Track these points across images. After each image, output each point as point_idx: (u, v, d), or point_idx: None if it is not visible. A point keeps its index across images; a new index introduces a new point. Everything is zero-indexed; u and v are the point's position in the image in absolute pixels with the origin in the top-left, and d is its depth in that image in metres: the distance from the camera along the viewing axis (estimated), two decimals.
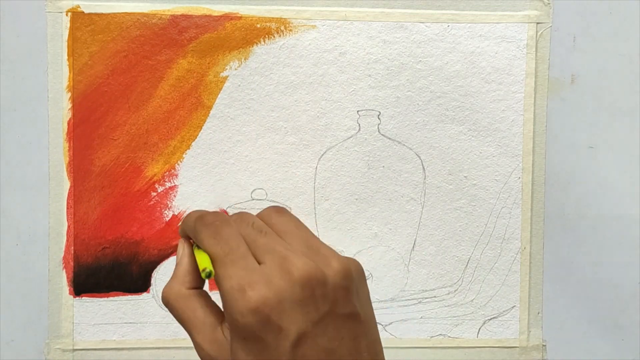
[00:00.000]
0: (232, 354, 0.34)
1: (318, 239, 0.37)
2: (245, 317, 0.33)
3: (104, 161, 0.52)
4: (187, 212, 0.41)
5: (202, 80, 0.52)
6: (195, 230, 0.37)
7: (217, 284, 0.35)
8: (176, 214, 0.52)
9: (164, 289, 0.37)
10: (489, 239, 0.53)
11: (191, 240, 0.39)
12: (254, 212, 0.52)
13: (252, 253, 0.35)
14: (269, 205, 0.39)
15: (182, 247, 0.39)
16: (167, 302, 0.37)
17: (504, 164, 0.53)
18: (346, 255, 0.36)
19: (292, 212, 0.52)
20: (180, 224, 0.41)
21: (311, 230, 0.38)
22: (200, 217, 0.37)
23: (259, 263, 0.34)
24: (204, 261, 0.35)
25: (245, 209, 0.52)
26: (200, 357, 0.36)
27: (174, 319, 0.36)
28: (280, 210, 0.38)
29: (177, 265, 0.38)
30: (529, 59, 0.53)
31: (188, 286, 0.37)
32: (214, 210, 0.39)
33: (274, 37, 0.52)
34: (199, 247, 0.37)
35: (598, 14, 0.53)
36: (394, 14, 0.52)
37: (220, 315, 0.36)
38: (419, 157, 0.53)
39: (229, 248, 0.35)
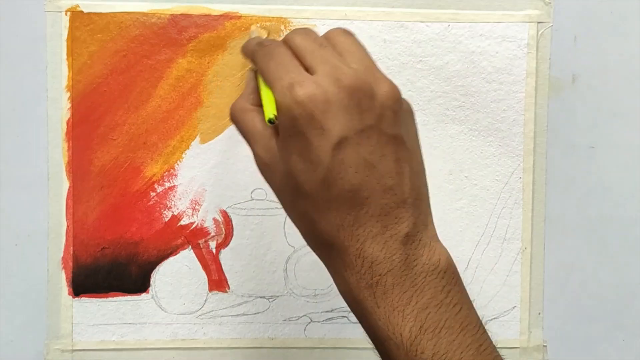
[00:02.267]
0: (280, 152, 0.37)
1: (377, 64, 0.38)
2: (291, 110, 0.35)
3: (103, 161, 0.51)
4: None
5: (202, 79, 0.51)
6: (253, 53, 0.41)
7: (272, 90, 0.37)
8: (175, 214, 0.52)
9: (232, 105, 0.41)
10: (490, 239, 0.53)
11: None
12: (254, 212, 0.52)
13: (307, 64, 0.37)
14: (337, 27, 0.40)
15: (250, 73, 0.43)
16: (233, 115, 0.41)
17: (504, 164, 0.53)
18: None
19: None
20: (243, 46, 0.45)
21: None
22: (259, 42, 0.41)
23: (312, 72, 0.36)
24: (267, 104, 0.38)
25: (245, 209, 0.52)
26: (258, 165, 0.39)
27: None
28: (347, 32, 0.40)
29: (245, 87, 0.42)
30: (530, 59, 0.53)
31: (252, 102, 0.40)
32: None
33: (274, 37, 0.52)
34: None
35: (599, 14, 0.53)
36: (394, 13, 0.52)
37: (277, 130, 0.38)
38: None
39: (280, 61, 0.37)
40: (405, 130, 0.37)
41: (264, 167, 0.38)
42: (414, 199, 0.37)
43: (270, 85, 0.37)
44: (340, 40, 0.39)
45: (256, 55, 0.40)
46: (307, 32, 0.39)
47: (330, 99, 0.35)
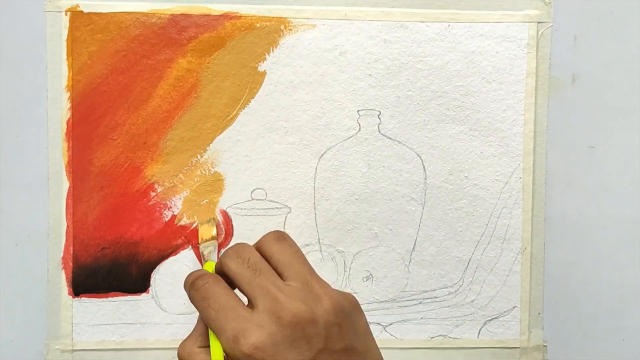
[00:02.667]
0: None
1: (314, 272, 0.38)
2: None
3: (103, 161, 0.51)
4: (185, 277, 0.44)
5: (202, 79, 0.51)
6: (190, 297, 0.40)
7: (217, 339, 0.37)
8: (175, 213, 0.52)
9: (179, 347, 0.40)
10: (490, 239, 0.53)
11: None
12: (254, 212, 0.52)
13: (246, 294, 0.37)
14: (269, 231, 0.41)
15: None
16: (180, 358, 0.40)
17: (504, 164, 0.53)
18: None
19: (292, 212, 0.52)
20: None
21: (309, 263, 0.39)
22: (192, 284, 0.40)
23: (253, 306, 0.37)
24: (216, 353, 0.38)
25: (245, 209, 0.52)
26: None
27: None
28: (280, 237, 0.40)
29: (196, 323, 0.41)
30: (530, 59, 0.53)
31: (200, 344, 0.40)
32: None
33: (274, 36, 0.52)
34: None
35: (599, 14, 0.53)
36: (394, 13, 0.52)
37: None
38: (420, 157, 0.53)
39: (219, 305, 0.37)
40: (355, 334, 0.37)
41: None
42: None
43: (215, 335, 0.38)
44: (274, 251, 0.39)
45: (193, 300, 0.40)
46: (238, 252, 0.40)
47: (276, 340, 0.35)
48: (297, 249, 0.40)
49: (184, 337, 0.52)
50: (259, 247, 0.40)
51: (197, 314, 0.40)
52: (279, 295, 0.36)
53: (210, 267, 0.44)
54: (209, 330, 0.39)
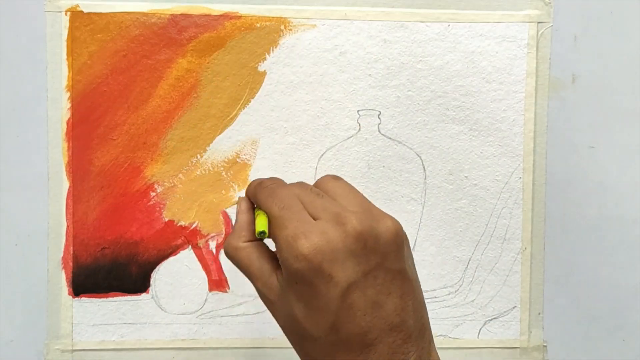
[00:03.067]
0: (284, 298, 0.37)
1: (369, 202, 0.39)
2: (298, 263, 0.35)
3: (103, 161, 0.51)
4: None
5: (202, 79, 0.51)
6: (254, 192, 0.41)
7: (273, 237, 0.37)
8: (176, 214, 0.52)
9: (224, 244, 0.40)
10: (490, 239, 0.53)
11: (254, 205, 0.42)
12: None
13: (309, 211, 0.37)
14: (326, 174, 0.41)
15: (240, 204, 0.42)
16: (228, 254, 0.40)
17: (504, 164, 0.53)
18: None
19: None
20: (245, 189, 0.44)
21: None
22: (260, 182, 0.41)
23: (314, 218, 0.37)
24: (260, 223, 0.38)
25: None
26: (262, 301, 0.39)
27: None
28: (336, 177, 0.40)
29: (235, 221, 0.41)
30: (530, 59, 0.53)
31: (244, 240, 0.40)
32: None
33: (274, 37, 0.52)
34: (260, 209, 0.40)
35: (599, 14, 0.53)
36: (394, 13, 0.52)
37: (276, 263, 0.38)
38: (420, 157, 0.53)
39: (284, 204, 0.38)
40: (407, 260, 0.37)
41: (267, 303, 0.38)
42: (419, 330, 0.37)
43: (273, 232, 0.37)
44: (331, 186, 0.39)
45: (258, 196, 0.40)
46: (301, 184, 0.40)
47: (336, 247, 0.35)
48: (351, 186, 0.40)
49: (184, 337, 0.52)
50: (316, 185, 0.40)
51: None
52: (342, 210, 0.36)
53: (261, 219, 0.44)
54: (257, 214, 0.39)
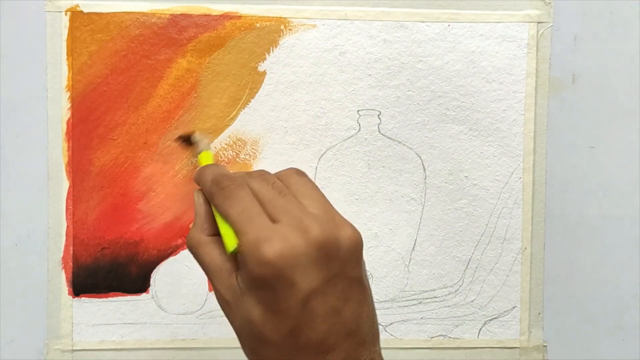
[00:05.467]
0: (243, 300, 0.36)
1: (331, 205, 0.38)
2: (260, 269, 0.34)
3: (103, 161, 0.51)
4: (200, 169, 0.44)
5: (202, 79, 0.51)
6: (210, 192, 0.40)
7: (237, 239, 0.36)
8: (176, 214, 0.52)
9: (187, 237, 0.40)
10: (490, 239, 0.53)
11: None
12: None
13: (267, 212, 0.37)
14: (289, 167, 0.40)
15: (197, 197, 0.41)
16: (190, 248, 0.40)
17: (504, 164, 0.53)
18: None
19: None
20: (195, 174, 0.43)
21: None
22: (216, 181, 0.40)
23: (274, 221, 0.36)
24: (229, 237, 0.37)
25: None
26: (218, 300, 0.38)
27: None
28: (300, 173, 0.40)
29: (195, 213, 0.40)
30: (530, 59, 0.53)
31: (207, 233, 0.39)
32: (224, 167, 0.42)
33: (274, 36, 0.52)
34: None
35: (599, 14, 0.53)
36: (394, 13, 0.52)
37: (235, 263, 0.38)
38: (420, 157, 0.53)
39: (242, 207, 0.37)
40: (364, 269, 0.37)
41: (223, 303, 0.38)
42: (372, 336, 0.37)
43: (236, 235, 0.37)
44: (294, 182, 0.39)
45: (215, 198, 0.39)
46: (263, 176, 0.39)
47: (298, 254, 0.35)
48: (315, 184, 0.39)
49: (184, 337, 0.52)
50: (279, 177, 0.40)
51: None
52: (304, 215, 0.36)
53: (206, 156, 0.43)
54: (219, 221, 0.38)
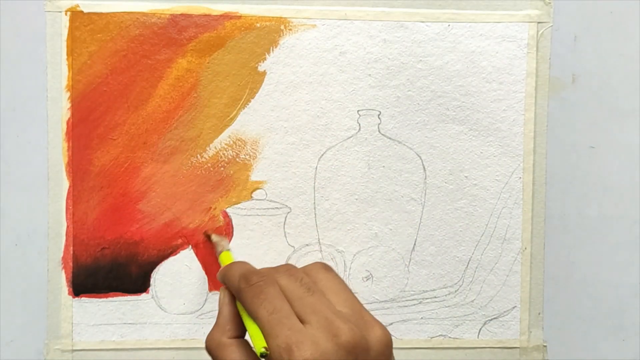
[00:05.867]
0: None
1: (360, 302, 0.38)
2: None
3: (103, 161, 0.51)
4: (227, 265, 0.43)
5: (202, 79, 0.51)
6: (238, 289, 0.39)
7: (266, 342, 0.35)
8: (176, 214, 0.52)
9: (207, 338, 0.38)
10: (490, 239, 0.53)
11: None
12: (254, 212, 0.52)
13: (296, 311, 0.36)
14: (315, 261, 0.40)
15: (223, 295, 0.40)
16: (209, 350, 0.38)
17: (504, 164, 0.53)
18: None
19: (292, 212, 0.52)
20: (220, 273, 0.43)
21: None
22: (244, 277, 0.39)
23: (303, 322, 0.35)
24: (258, 339, 0.36)
25: (245, 208, 0.52)
26: None
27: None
28: (327, 268, 0.39)
29: (219, 313, 0.39)
30: (530, 59, 0.53)
31: (229, 335, 0.38)
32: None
33: (274, 36, 0.52)
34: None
35: (599, 14, 0.53)
36: (394, 13, 0.52)
37: None
38: (420, 157, 0.53)
39: (273, 307, 0.36)
40: None
41: None
42: None
43: (264, 336, 0.36)
44: (321, 278, 0.38)
45: (243, 295, 0.38)
46: (290, 271, 0.39)
47: (329, 359, 0.34)
48: (342, 280, 0.39)
49: (184, 337, 0.52)
50: (305, 272, 0.39)
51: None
52: (333, 316, 0.35)
53: (227, 256, 0.43)
54: (247, 322, 0.38)
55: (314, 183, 0.52)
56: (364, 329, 0.36)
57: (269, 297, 0.37)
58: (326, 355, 0.34)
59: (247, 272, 0.39)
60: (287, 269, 0.39)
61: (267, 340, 0.35)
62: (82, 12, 0.51)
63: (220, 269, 0.44)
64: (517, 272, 0.53)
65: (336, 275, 0.39)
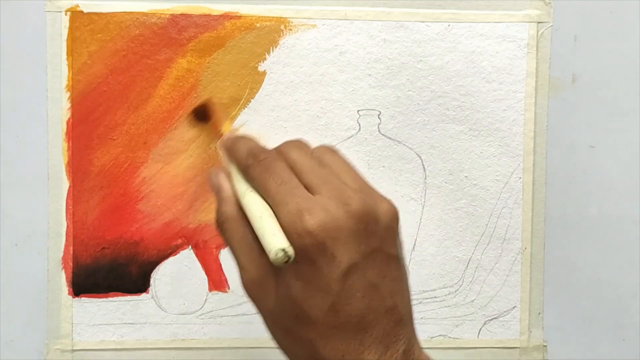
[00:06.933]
0: (278, 277, 0.35)
1: (367, 180, 0.38)
2: (302, 239, 0.34)
3: (103, 161, 0.51)
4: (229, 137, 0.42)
5: (202, 79, 0.51)
6: (246, 165, 0.38)
7: (275, 212, 0.35)
8: (176, 214, 0.52)
9: (216, 215, 0.38)
10: (490, 239, 0.53)
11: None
12: None
13: (306, 182, 0.36)
14: (322, 144, 0.40)
15: (216, 174, 0.40)
16: (219, 224, 0.38)
17: (504, 164, 0.53)
18: None
19: None
20: (223, 143, 0.41)
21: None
22: (252, 153, 0.38)
23: (313, 193, 0.35)
24: (272, 231, 0.34)
25: None
26: (244, 283, 0.37)
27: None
28: (333, 150, 0.39)
29: (219, 189, 0.39)
30: (530, 59, 0.53)
31: (238, 209, 0.37)
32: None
33: (274, 37, 0.52)
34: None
35: (599, 14, 0.53)
36: (394, 13, 0.52)
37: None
38: (420, 157, 0.53)
39: (282, 179, 0.36)
40: (401, 246, 0.37)
41: (252, 285, 0.37)
42: (408, 315, 0.37)
43: (273, 208, 0.36)
44: (328, 158, 0.38)
45: (251, 170, 0.38)
46: (300, 145, 0.39)
47: (340, 226, 0.34)
48: (349, 160, 0.39)
49: (184, 337, 0.52)
50: (313, 153, 0.39)
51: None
52: (344, 186, 0.35)
53: (228, 127, 0.42)
54: (257, 221, 0.36)
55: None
56: (373, 202, 0.36)
57: (277, 170, 0.37)
58: (337, 221, 0.34)
59: (255, 149, 0.39)
60: (297, 142, 0.39)
61: (277, 210, 0.35)
62: (82, 12, 0.51)
63: (223, 137, 0.43)
64: (517, 272, 0.53)
65: (343, 157, 0.39)
